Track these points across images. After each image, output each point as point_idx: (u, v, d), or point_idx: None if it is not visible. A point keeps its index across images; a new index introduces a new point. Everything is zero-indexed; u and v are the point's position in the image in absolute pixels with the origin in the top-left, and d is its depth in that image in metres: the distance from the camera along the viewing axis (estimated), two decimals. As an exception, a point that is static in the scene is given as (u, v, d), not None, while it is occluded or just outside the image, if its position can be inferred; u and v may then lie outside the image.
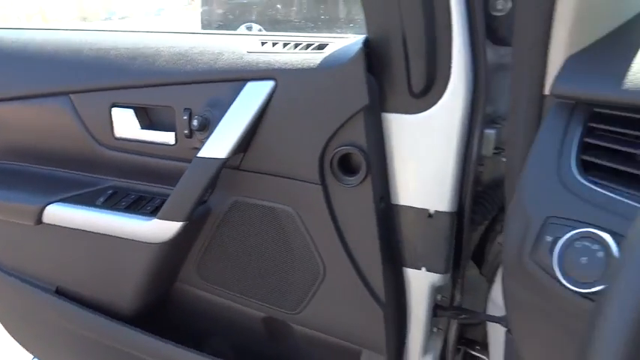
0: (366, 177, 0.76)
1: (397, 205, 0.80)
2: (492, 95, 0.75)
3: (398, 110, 0.76)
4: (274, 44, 0.84)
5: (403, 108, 0.75)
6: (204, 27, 4.57)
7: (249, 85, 0.79)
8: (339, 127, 0.75)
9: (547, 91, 0.57)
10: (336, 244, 0.81)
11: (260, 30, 4.69)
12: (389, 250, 0.81)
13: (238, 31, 4.61)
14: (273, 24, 4.48)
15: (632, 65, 0.51)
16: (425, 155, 0.76)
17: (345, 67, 0.72)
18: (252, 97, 0.78)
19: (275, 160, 0.82)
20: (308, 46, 0.81)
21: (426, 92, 0.73)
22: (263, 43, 0.85)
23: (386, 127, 0.77)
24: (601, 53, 0.54)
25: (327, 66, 0.74)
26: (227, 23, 4.58)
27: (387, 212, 0.80)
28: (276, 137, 0.80)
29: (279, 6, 4.66)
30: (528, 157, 0.55)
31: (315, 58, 0.76)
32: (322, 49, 0.79)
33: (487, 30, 0.70)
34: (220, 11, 4.63)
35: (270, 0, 4.62)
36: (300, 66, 0.76)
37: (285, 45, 0.83)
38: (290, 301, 0.90)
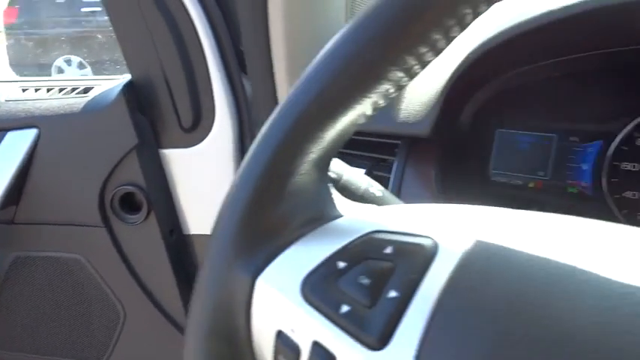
0: (149, 213, 0.77)
1: (189, 235, 0.83)
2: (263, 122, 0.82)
3: (173, 145, 0.79)
4: (37, 90, 0.82)
5: (177, 143, 0.78)
6: (11, 62, 4.12)
7: (10, 135, 0.75)
8: (114, 168, 0.76)
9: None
10: (132, 283, 0.81)
11: (81, 62, 4.38)
12: (187, 280, 0.84)
13: (55, 66, 4.24)
14: (96, 58, 4.22)
15: None
16: (206, 185, 0.80)
17: (108, 109, 0.73)
18: (14, 147, 0.74)
19: (53, 208, 0.79)
20: (73, 90, 0.80)
21: (196, 126, 0.77)
22: (24, 90, 0.82)
23: (165, 163, 0.80)
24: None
25: (91, 109, 0.75)
26: (40, 57, 4.19)
27: (180, 244, 0.83)
28: (50, 185, 0.78)
29: (99, 36, 4.41)
30: None
31: (79, 102, 0.76)
32: (87, 92, 0.79)
33: (241, 64, 0.77)
34: (30, 44, 4.21)
35: (90, 33, 4.33)
36: (63, 112, 0.75)
37: (48, 90, 0.81)
38: (94, 351, 0.86)
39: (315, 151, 0.25)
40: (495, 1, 0.21)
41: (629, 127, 0.49)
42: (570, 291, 0.18)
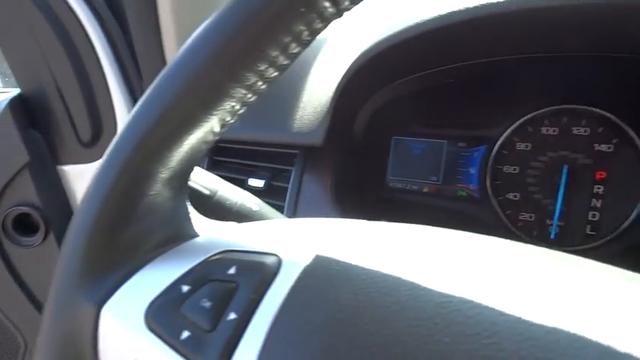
0: (47, 234, 0.73)
1: None
2: None
3: (73, 161, 0.74)
4: None
5: (77, 159, 0.74)
6: None
7: None
8: (4, 187, 0.70)
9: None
10: (31, 310, 0.76)
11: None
12: None
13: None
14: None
15: None
16: None
17: None
18: None
19: None
20: None
21: (96, 140, 0.73)
22: None
23: (64, 180, 0.75)
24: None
25: None
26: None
27: None
28: None
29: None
30: None
31: None
32: None
33: (139, 71, 0.74)
34: None
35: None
36: None
37: None
38: (-6, 386, 0.80)
39: (163, 171, 0.24)
40: (331, 20, 0.22)
41: (507, 132, 0.52)
42: (395, 302, 0.19)
